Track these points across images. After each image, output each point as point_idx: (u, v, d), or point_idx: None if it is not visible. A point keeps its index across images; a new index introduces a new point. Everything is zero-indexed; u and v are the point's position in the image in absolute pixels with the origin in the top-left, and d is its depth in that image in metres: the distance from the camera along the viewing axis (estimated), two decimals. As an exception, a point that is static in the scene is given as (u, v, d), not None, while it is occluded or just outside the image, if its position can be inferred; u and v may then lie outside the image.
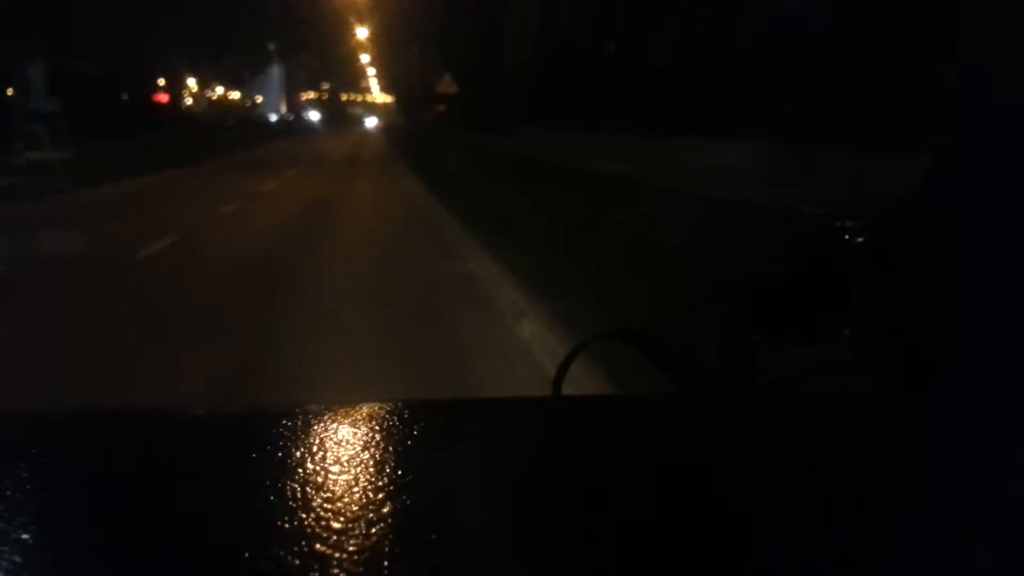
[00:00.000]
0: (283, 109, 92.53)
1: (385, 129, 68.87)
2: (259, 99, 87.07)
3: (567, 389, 0.78)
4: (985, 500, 0.41)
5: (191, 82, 58.11)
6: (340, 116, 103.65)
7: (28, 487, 0.40)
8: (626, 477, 0.43)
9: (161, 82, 48.03)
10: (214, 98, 66.15)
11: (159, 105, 48.48)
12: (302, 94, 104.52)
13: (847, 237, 0.77)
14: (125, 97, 36.81)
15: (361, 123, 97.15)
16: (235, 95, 73.12)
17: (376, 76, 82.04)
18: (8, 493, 0.39)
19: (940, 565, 0.35)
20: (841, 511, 0.39)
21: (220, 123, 52.27)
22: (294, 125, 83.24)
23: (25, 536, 0.35)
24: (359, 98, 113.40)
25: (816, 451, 0.48)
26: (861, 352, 0.74)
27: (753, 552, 0.35)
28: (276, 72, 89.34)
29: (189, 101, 58.05)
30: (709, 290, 0.80)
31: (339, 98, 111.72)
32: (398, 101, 71.01)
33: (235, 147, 30.82)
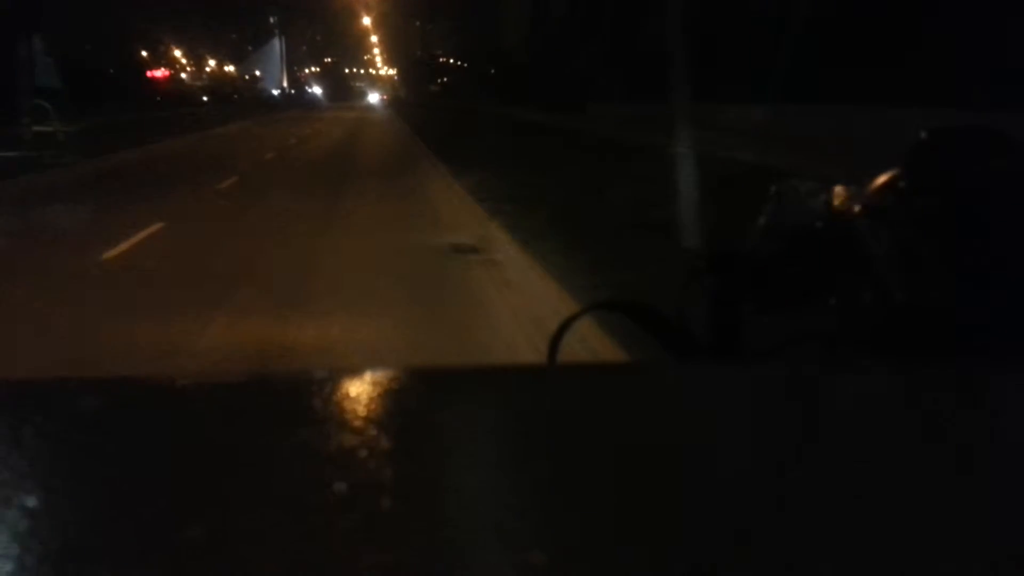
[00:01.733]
0: (285, 83, 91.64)
1: (391, 103, 67.34)
2: (258, 73, 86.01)
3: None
4: (968, 464, 0.42)
5: (185, 57, 57.39)
6: (343, 90, 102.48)
7: (32, 455, 0.41)
8: (618, 443, 0.43)
9: (144, 54, 47.32)
10: (210, 72, 65.33)
11: (155, 80, 47.68)
12: (305, 68, 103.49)
13: (837, 207, 0.78)
14: (112, 71, 36.15)
15: (364, 96, 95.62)
16: (230, 68, 72.24)
17: (379, 46, 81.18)
18: (14, 460, 0.40)
19: (928, 533, 0.35)
20: (826, 476, 0.39)
21: (191, 97, 49.10)
22: (293, 99, 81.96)
23: (31, 504, 0.36)
24: (362, 71, 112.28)
25: (799, 418, 0.49)
26: (847, 321, 0.75)
27: (740, 517, 0.36)
28: (278, 46, 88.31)
29: (184, 76, 57.27)
30: (701, 260, 0.81)
31: (342, 71, 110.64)
32: (401, 74, 70.20)
33: (173, 130, 22.91)
